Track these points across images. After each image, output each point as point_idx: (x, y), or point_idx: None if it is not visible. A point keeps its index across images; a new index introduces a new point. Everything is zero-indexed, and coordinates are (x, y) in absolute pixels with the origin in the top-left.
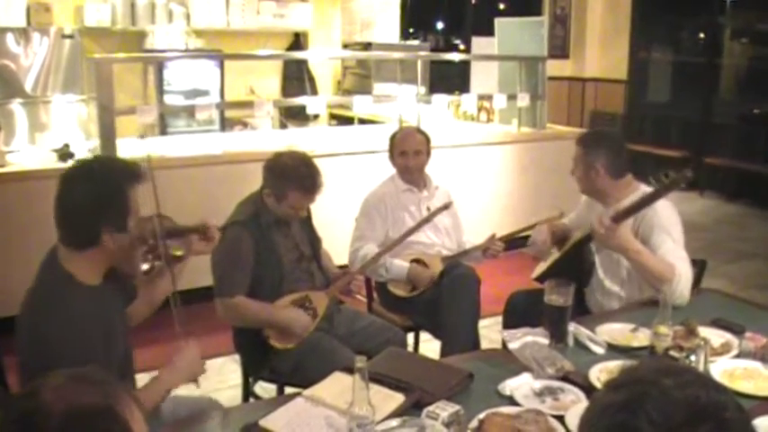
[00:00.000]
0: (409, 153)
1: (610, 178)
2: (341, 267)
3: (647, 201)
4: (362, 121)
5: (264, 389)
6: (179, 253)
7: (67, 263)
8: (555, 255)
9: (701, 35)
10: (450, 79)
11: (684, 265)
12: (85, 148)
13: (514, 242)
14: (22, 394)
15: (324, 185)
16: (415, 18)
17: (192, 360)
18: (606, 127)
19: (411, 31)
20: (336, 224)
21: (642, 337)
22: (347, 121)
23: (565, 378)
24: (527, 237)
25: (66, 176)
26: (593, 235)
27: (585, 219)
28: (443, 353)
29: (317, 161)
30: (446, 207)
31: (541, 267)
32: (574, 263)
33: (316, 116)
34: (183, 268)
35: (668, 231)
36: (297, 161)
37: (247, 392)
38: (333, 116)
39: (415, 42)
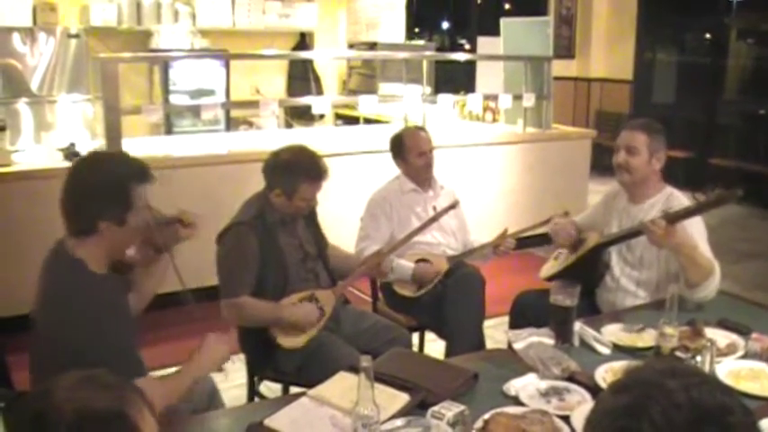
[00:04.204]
0: (427, 152)
1: (659, 169)
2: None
3: (696, 210)
4: (368, 121)
5: (269, 388)
6: (170, 241)
7: (76, 251)
8: (568, 256)
9: (707, 36)
10: (455, 79)
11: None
12: (91, 147)
13: (520, 242)
14: (35, 394)
15: (328, 170)
16: (420, 18)
17: (217, 349)
18: (614, 127)
19: (416, 30)
20: (342, 223)
21: (648, 338)
22: (352, 120)
23: (570, 378)
24: (534, 236)
25: (75, 164)
26: (646, 235)
27: (602, 220)
28: (448, 353)
29: None
30: (453, 207)
31: (550, 267)
32: (589, 264)
33: (321, 116)
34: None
35: (696, 229)
36: (297, 154)
37: (252, 392)
38: (338, 116)
39: (421, 42)
